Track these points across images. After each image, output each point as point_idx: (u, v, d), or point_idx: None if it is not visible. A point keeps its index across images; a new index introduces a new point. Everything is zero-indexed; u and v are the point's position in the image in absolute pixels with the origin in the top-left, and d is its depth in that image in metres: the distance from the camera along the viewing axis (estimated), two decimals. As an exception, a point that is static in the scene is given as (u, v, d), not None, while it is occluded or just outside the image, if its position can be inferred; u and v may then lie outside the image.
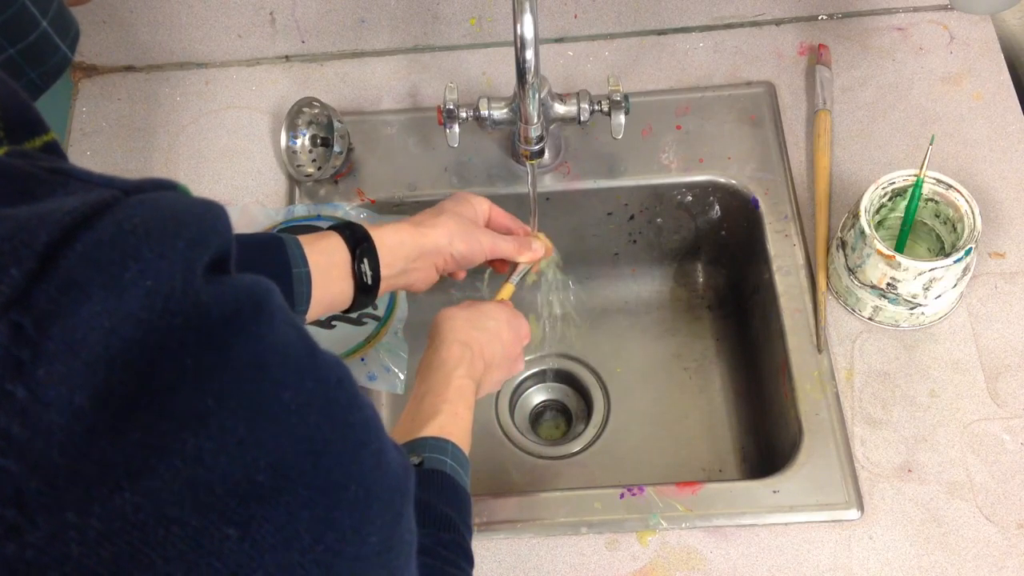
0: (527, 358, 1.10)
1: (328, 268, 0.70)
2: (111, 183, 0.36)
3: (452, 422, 0.68)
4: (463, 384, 0.71)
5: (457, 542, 0.61)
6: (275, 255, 0.68)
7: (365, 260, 0.71)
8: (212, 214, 0.37)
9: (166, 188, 0.38)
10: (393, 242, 0.74)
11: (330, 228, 0.73)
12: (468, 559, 0.62)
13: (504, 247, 0.80)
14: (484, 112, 0.90)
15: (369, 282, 0.72)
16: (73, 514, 0.31)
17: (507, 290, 0.82)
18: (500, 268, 0.84)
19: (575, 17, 1.05)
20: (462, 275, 0.84)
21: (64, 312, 0.31)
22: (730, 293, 1.10)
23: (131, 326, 0.32)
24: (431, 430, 0.67)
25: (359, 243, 0.71)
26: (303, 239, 0.70)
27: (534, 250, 0.82)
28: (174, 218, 0.35)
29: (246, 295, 0.36)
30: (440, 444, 0.66)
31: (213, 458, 0.33)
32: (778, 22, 1.06)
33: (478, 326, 0.75)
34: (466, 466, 0.67)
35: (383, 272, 0.73)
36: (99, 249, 0.32)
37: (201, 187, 1.00)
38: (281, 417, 0.35)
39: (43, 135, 0.42)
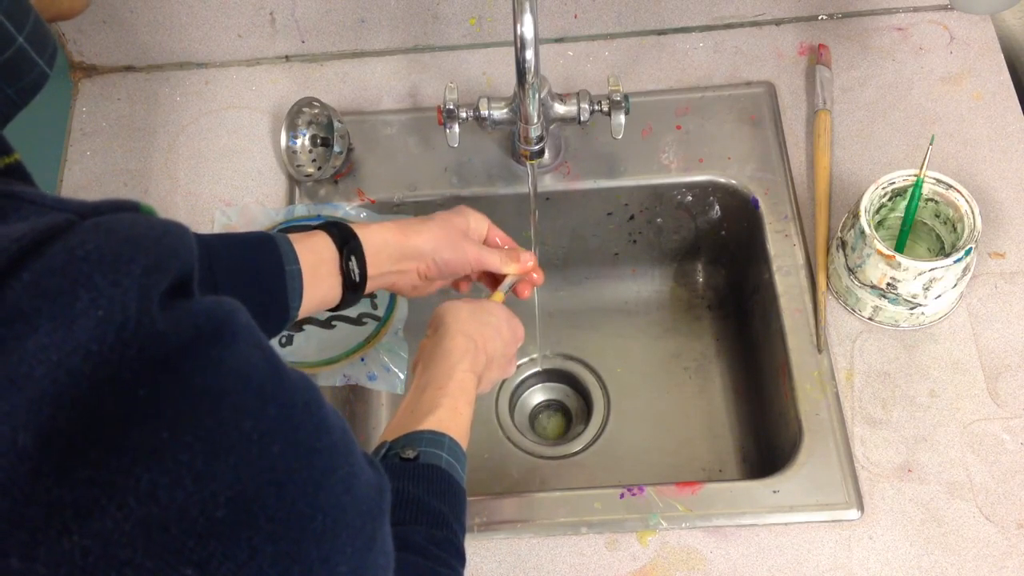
0: (528, 357, 1.10)
1: (317, 265, 0.70)
2: (65, 206, 0.35)
3: (451, 417, 0.67)
4: (465, 378, 0.70)
5: (450, 539, 0.60)
6: (268, 254, 0.68)
7: (353, 258, 0.72)
8: (172, 237, 0.36)
9: (126, 209, 0.36)
10: (378, 242, 0.74)
11: (317, 227, 0.73)
12: (460, 558, 0.61)
13: (490, 258, 0.79)
14: (484, 112, 0.90)
15: (357, 279, 0.72)
16: (17, 560, 0.30)
17: (497, 298, 0.82)
18: (492, 286, 0.84)
19: (575, 17, 1.05)
20: (465, 287, 0.84)
21: (8, 346, 0.30)
22: (730, 293, 1.10)
23: (80, 359, 0.31)
24: (429, 424, 0.66)
25: (346, 241, 0.72)
26: (292, 237, 0.70)
27: (522, 262, 0.81)
28: (130, 243, 0.33)
29: (205, 319, 0.34)
30: (436, 438, 0.65)
31: (168, 494, 0.31)
32: (778, 22, 1.06)
33: (481, 320, 0.74)
34: (463, 461, 0.67)
35: (368, 271, 0.73)
36: (48, 278, 0.31)
37: (201, 187, 1.00)
38: (241, 447, 0.33)
39: (4, 157, 0.40)
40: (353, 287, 0.72)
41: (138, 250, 0.33)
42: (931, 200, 0.86)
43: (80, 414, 0.31)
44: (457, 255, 0.77)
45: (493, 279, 0.83)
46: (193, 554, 0.32)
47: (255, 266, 0.68)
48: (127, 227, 0.34)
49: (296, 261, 0.69)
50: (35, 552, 0.30)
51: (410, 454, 0.63)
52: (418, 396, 0.69)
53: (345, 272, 0.71)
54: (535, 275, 0.83)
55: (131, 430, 0.31)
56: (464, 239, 0.78)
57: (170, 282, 0.34)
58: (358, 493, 0.39)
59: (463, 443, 0.68)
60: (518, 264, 0.81)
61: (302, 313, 0.70)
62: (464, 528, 0.63)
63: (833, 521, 0.80)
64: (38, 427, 0.30)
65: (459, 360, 0.70)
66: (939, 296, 0.84)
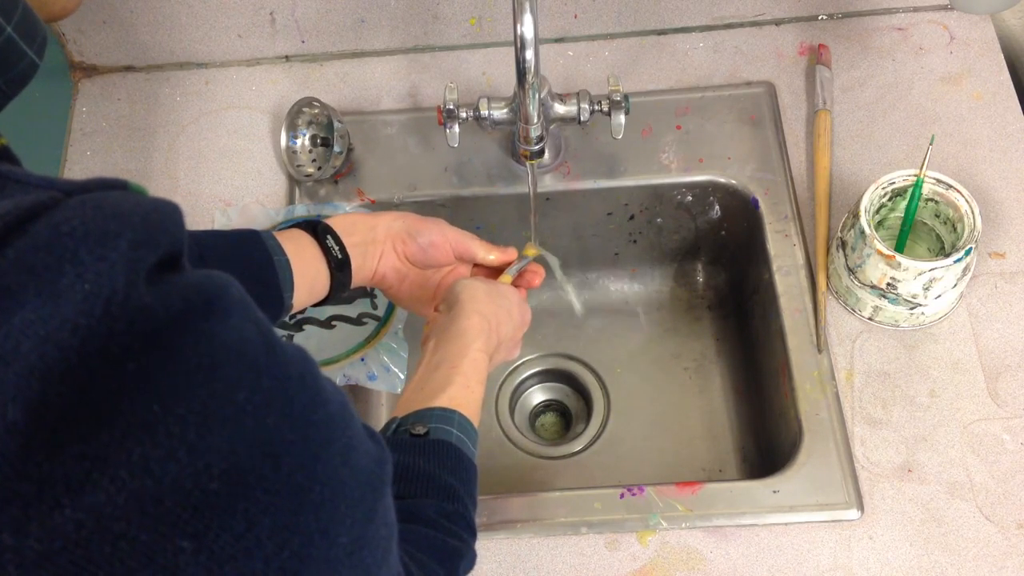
0: (527, 357, 1.10)
1: (300, 252, 0.72)
2: (51, 184, 0.35)
3: (463, 394, 0.67)
4: (479, 358, 0.70)
5: (460, 513, 0.60)
6: (256, 247, 0.69)
7: (328, 236, 0.74)
8: (160, 212, 0.36)
9: (113, 187, 0.36)
10: (345, 223, 0.76)
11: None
12: (471, 531, 0.61)
13: (472, 243, 0.80)
14: (484, 112, 0.90)
15: (339, 256, 0.73)
16: (9, 535, 0.30)
17: (505, 280, 0.82)
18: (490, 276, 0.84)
19: (575, 17, 1.05)
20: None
21: None
22: (730, 293, 1.10)
23: (68, 333, 0.31)
24: (440, 401, 0.66)
25: (316, 225, 0.74)
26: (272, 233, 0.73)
27: (504, 252, 0.82)
28: (116, 218, 0.33)
29: (195, 292, 0.34)
30: (447, 414, 0.65)
31: (161, 467, 0.31)
32: (778, 22, 1.06)
33: (496, 302, 0.74)
34: (474, 438, 0.66)
35: (347, 249, 0.74)
36: (33, 254, 0.31)
37: (201, 187, 1.00)
38: (235, 419, 0.33)
39: None
40: (339, 265, 0.74)
41: (124, 225, 0.33)
42: (931, 200, 0.86)
43: (70, 388, 0.31)
44: (436, 236, 0.78)
45: (488, 275, 0.83)
46: (188, 526, 0.32)
47: (246, 258, 0.69)
48: (114, 203, 0.34)
49: (282, 252, 0.70)
50: (27, 527, 0.30)
51: (420, 430, 0.63)
52: (430, 373, 0.69)
53: (326, 251, 0.73)
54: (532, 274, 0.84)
55: (122, 403, 0.31)
56: (443, 224, 0.79)
57: (159, 257, 0.34)
58: (357, 464, 0.39)
59: (475, 421, 0.67)
60: (499, 253, 0.81)
61: (296, 303, 0.71)
62: (475, 503, 0.63)
63: (833, 521, 0.80)
64: (27, 401, 0.30)
65: (474, 339, 0.70)
66: (939, 296, 0.84)
